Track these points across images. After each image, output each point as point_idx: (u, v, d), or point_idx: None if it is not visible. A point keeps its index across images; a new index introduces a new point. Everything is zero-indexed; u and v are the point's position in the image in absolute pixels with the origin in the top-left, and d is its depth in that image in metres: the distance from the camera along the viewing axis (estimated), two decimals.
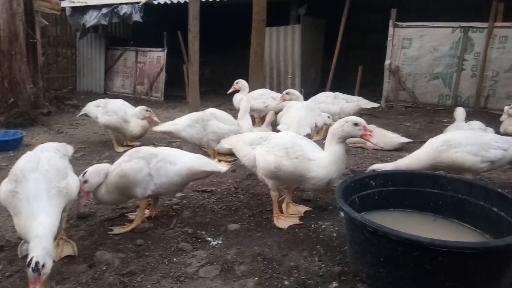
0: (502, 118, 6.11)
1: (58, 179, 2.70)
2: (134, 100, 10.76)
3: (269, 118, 6.29)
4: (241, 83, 6.91)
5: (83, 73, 12.78)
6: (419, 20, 8.69)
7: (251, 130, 5.00)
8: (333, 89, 7.46)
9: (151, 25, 11.92)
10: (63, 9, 11.30)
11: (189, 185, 4.25)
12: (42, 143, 5.88)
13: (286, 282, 2.53)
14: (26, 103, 7.78)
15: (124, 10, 10.79)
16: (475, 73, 8.32)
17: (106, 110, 5.72)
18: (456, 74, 8.51)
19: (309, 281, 2.53)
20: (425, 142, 3.93)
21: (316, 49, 11.16)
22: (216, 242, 3.08)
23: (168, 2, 10.83)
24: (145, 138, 6.03)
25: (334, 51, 9.61)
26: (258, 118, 6.95)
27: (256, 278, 2.57)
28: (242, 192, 4.15)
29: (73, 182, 2.87)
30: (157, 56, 11.41)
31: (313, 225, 3.31)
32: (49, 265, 2.18)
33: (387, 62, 8.95)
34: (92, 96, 11.79)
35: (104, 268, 2.72)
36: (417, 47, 8.70)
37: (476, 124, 5.56)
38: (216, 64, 13.96)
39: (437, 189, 2.98)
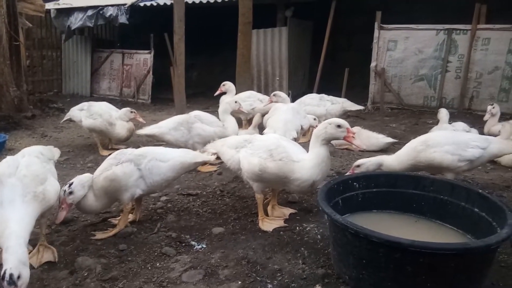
0: (485, 118, 6.20)
1: (35, 184, 2.65)
2: (121, 103, 10.67)
3: (256, 120, 6.29)
4: (227, 85, 6.90)
5: (68, 75, 12.63)
6: (404, 23, 8.78)
7: (236, 132, 4.99)
8: (320, 91, 7.48)
9: (137, 27, 11.85)
10: (48, 11, 11.17)
11: (174, 189, 4.28)
12: (25, 147, 5.79)
13: (269, 286, 2.52)
14: (9, 106, 7.66)
15: (110, 12, 10.71)
16: (459, 74, 8.44)
17: (90, 113, 5.65)
18: (440, 76, 8.61)
19: (293, 284, 2.52)
20: None
21: (303, 51, 11.21)
22: (200, 246, 3.06)
23: (154, 4, 10.78)
24: (130, 141, 5.97)
25: (321, 53, 9.66)
26: (245, 120, 6.94)
27: (239, 282, 2.55)
28: (227, 195, 4.14)
29: (51, 187, 2.81)
30: (144, 59, 11.34)
31: (298, 228, 3.31)
32: (25, 274, 2.13)
33: (372, 64, 9.03)
34: (78, 99, 11.65)
35: (85, 274, 2.68)
36: (402, 49, 8.79)
37: (460, 125, 5.64)
38: (204, 66, 13.93)
39: (419, 190, 3.00)
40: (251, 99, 6.76)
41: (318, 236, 3.15)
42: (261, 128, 5.66)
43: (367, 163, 3.73)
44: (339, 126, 2.99)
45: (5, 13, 7.72)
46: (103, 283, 2.58)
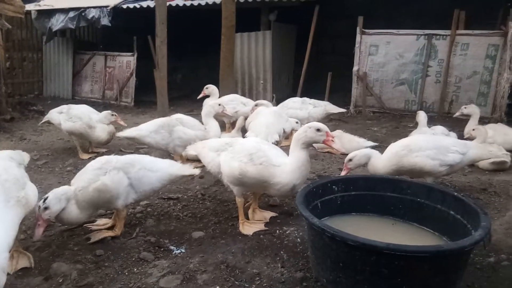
0: (456, 115, 6.35)
1: (16, 189, 2.59)
2: (103, 106, 10.53)
3: (239, 123, 6.28)
4: (210, 88, 6.89)
5: (50, 78, 12.41)
6: (385, 28, 8.91)
7: (218, 135, 4.98)
8: (304, 95, 7.52)
9: (120, 29, 11.72)
10: (28, 12, 10.97)
11: None
12: (3, 150, 5.67)
13: None
14: None
15: (92, 14, 10.57)
16: (439, 79, 8.58)
17: (69, 116, 5.56)
18: (421, 80, 8.75)
19: None
20: None
21: (287, 54, 11.26)
22: (179, 251, 3.03)
23: (138, 6, 10.68)
24: (111, 144, 5.90)
25: (305, 57, 9.72)
26: (228, 123, 6.93)
27: (217, 287, 2.54)
28: (209, 199, 4.12)
29: (31, 192, 2.76)
30: (126, 61, 11.22)
31: (278, 231, 3.31)
32: (1, 282, 2.08)
33: (355, 68, 9.12)
34: (60, 101, 11.45)
35: (60, 281, 2.63)
36: (384, 54, 8.91)
37: (439, 129, 5.73)
38: (188, 69, 13.86)
39: (397, 193, 3.03)
40: (234, 103, 6.75)
41: (298, 239, 3.16)
42: (244, 131, 5.66)
43: (358, 155, 3.76)
44: (318, 130, 3.01)
45: None
46: None
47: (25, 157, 3.29)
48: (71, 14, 10.85)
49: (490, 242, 2.34)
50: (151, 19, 7.90)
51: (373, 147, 5.81)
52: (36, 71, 12.50)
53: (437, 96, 8.64)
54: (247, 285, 2.55)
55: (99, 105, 10.35)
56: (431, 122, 6.55)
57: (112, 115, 5.50)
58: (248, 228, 3.33)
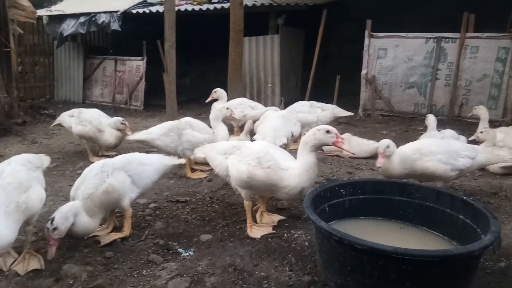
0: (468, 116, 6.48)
1: (18, 193, 2.63)
2: (113, 110, 10.65)
3: (247, 127, 6.30)
4: (219, 92, 6.92)
5: (61, 82, 12.58)
6: (394, 31, 8.88)
7: (227, 139, 5.00)
8: (312, 98, 7.52)
9: (130, 34, 11.86)
10: (40, 17, 11.15)
11: (163, 196, 4.27)
12: (15, 153, 5.75)
13: None
14: None
15: (102, 19, 10.71)
16: (449, 82, 8.53)
17: (80, 120, 5.63)
18: (430, 84, 8.70)
19: None
20: None
21: (295, 58, 11.28)
22: (187, 253, 3.05)
23: (147, 11, 10.81)
24: (120, 148, 5.95)
25: (313, 61, 9.72)
26: (237, 127, 6.96)
27: None
28: (217, 202, 4.14)
29: (35, 195, 2.79)
30: (136, 65, 11.33)
31: (286, 234, 3.32)
32: None
33: (363, 71, 9.11)
34: (71, 105, 11.57)
35: (70, 282, 2.66)
36: (392, 57, 8.88)
37: (448, 132, 5.68)
38: (197, 73, 13.95)
39: (405, 197, 3.02)
40: (242, 106, 6.78)
41: (306, 243, 3.16)
42: (252, 135, 5.68)
43: (391, 143, 3.73)
44: (328, 132, 3.01)
45: None
46: None
47: (45, 161, 3.36)
48: (82, 19, 11.00)
49: (500, 246, 2.31)
50: (160, 24, 7.99)
51: None
52: (47, 75, 12.69)
53: (446, 100, 8.58)
54: None
55: (109, 109, 10.47)
56: (441, 125, 6.51)
57: (122, 123, 5.52)
58: (256, 231, 3.34)
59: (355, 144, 5.67)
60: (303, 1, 9.60)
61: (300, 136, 5.83)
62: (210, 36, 11.91)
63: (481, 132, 4.95)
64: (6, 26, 8.14)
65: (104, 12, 10.79)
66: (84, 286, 2.62)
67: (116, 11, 10.72)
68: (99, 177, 3.13)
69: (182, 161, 3.79)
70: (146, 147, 5.77)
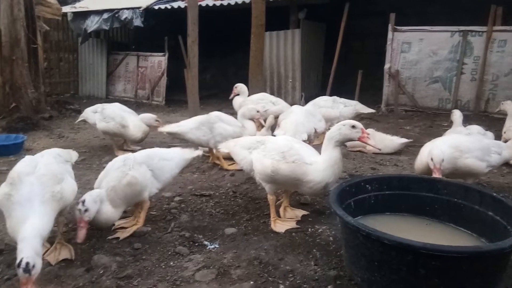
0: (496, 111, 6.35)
1: (52, 184, 2.72)
2: (136, 105, 10.82)
3: (269, 122, 6.30)
4: (239, 87, 6.96)
5: (85, 77, 12.86)
6: (418, 24, 8.72)
7: (254, 134, 5.05)
8: (333, 93, 7.47)
9: (152, 29, 12.00)
10: (65, 14, 11.40)
11: (187, 189, 4.34)
12: (43, 147, 5.92)
13: (281, 286, 2.54)
14: (27, 107, 7.84)
15: (125, 15, 10.88)
16: (475, 76, 8.33)
17: (103, 117, 5.73)
18: (455, 78, 8.52)
19: (305, 285, 2.54)
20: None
21: (316, 53, 11.20)
22: (213, 246, 3.10)
23: (169, 7, 10.91)
24: (145, 143, 6.05)
25: (334, 55, 9.64)
26: (257, 122, 6.96)
27: (251, 282, 2.58)
28: (240, 196, 4.17)
29: (68, 187, 2.88)
30: (158, 61, 11.47)
31: (310, 229, 3.32)
32: (38, 265, 2.21)
33: (386, 66, 8.98)
34: (94, 100, 11.84)
35: (101, 272, 2.74)
36: (417, 51, 8.72)
37: (475, 128, 5.54)
38: (217, 69, 14.02)
39: (433, 193, 2.98)
40: (263, 101, 6.79)
41: (330, 238, 3.16)
42: (273, 131, 5.69)
43: (445, 154, 3.57)
44: (353, 127, 2.99)
45: (23, 16, 7.91)
46: (118, 281, 2.63)
47: (74, 155, 3.49)
48: (105, 15, 11.19)
49: None
50: (181, 19, 8.07)
51: (406, 145, 5.75)
52: (72, 71, 13.00)
53: (472, 95, 8.39)
54: (280, 282, 2.58)
55: (131, 104, 10.61)
56: (466, 121, 6.36)
57: (157, 120, 5.60)
58: (280, 226, 3.36)
59: (379, 140, 5.60)
60: None
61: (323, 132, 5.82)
62: (230, 31, 11.94)
63: (504, 133, 4.87)
64: (33, 23, 8.36)
65: (127, 9, 10.96)
66: (114, 276, 2.69)
67: (139, 7, 10.87)
68: (122, 170, 3.23)
69: (199, 152, 3.90)
70: (169, 142, 5.88)
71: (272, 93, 8.93)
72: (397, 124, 7.86)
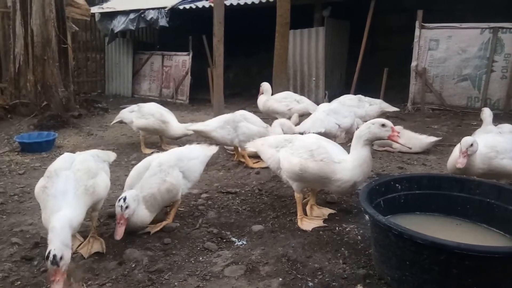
0: None
1: (86, 178, 2.85)
2: (160, 103, 10.87)
3: (293, 121, 6.30)
4: (263, 86, 6.98)
5: (111, 77, 13.13)
6: (445, 21, 8.52)
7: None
8: (357, 92, 7.40)
9: (176, 29, 12.15)
10: (93, 15, 11.67)
11: (214, 187, 4.40)
12: (73, 144, 6.08)
13: (310, 284, 2.55)
14: (58, 106, 8.08)
15: (151, 15, 11.05)
16: (506, 74, 8.08)
17: (142, 114, 5.89)
18: (485, 76, 8.29)
19: (334, 283, 2.54)
20: (454, 145, 3.83)
21: (340, 51, 11.10)
22: (240, 243, 3.13)
23: (194, 7, 11.01)
24: (180, 141, 6.15)
25: (358, 53, 9.53)
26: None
27: (280, 279, 2.60)
28: (266, 194, 4.19)
29: (101, 182, 3.00)
30: (182, 60, 11.61)
31: (337, 228, 3.32)
32: (66, 256, 2.29)
33: (413, 63, 8.82)
34: (120, 99, 12.12)
35: (133, 266, 2.82)
36: (445, 49, 8.53)
37: (507, 127, 5.38)
38: (240, 68, 14.08)
39: (464, 193, 2.93)
40: (287, 100, 6.79)
41: (358, 237, 3.15)
42: None
43: (475, 140, 3.50)
44: (383, 125, 2.97)
45: (54, 17, 8.15)
46: (150, 275, 2.70)
47: (112, 156, 3.63)
48: (132, 15, 11.40)
49: None
50: (205, 19, 8.14)
51: (435, 144, 5.64)
52: (98, 70, 13.31)
53: (503, 93, 8.15)
54: (309, 279, 2.59)
55: (156, 103, 10.78)
56: (496, 120, 6.18)
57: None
58: (307, 224, 3.36)
59: (406, 138, 5.50)
60: None
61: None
62: (254, 30, 11.97)
63: None
64: (64, 24, 8.60)
65: (153, 9, 11.13)
66: (145, 270, 2.76)
67: (164, 7, 11.02)
68: (159, 177, 3.29)
69: (217, 148, 4.00)
70: (202, 139, 5.95)
71: (295, 92, 8.90)
72: (424, 122, 7.72)
